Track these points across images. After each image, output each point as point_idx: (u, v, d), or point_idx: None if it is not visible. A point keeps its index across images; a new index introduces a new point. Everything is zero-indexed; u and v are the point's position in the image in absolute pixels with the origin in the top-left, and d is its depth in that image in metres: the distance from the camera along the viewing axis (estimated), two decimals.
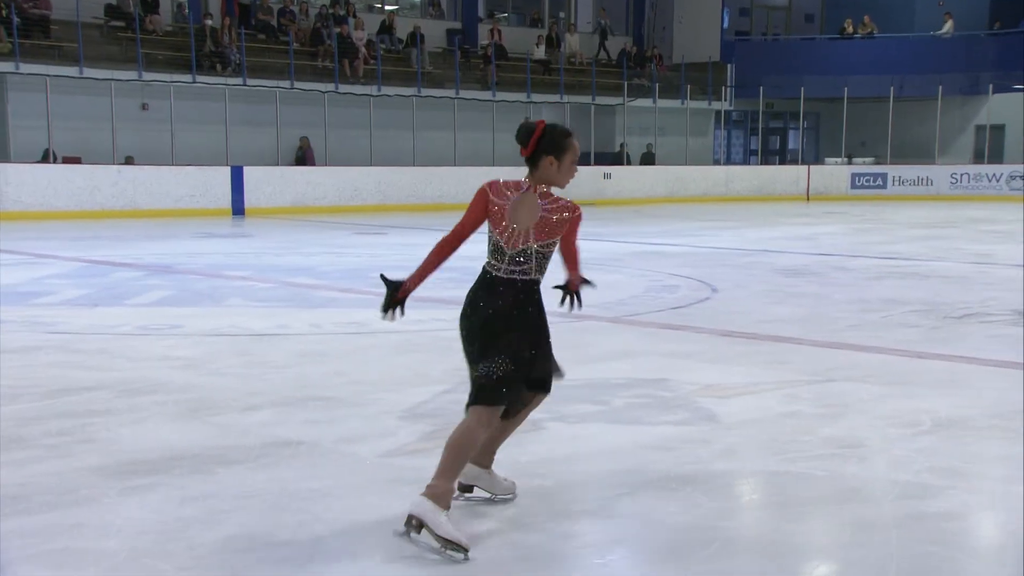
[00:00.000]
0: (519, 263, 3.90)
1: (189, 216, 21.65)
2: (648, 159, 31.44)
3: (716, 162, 33.80)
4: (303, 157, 24.51)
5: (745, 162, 36.12)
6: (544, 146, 3.88)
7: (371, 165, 24.68)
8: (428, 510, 3.66)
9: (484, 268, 3.95)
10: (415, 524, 3.70)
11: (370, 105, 25.52)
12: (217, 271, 12.11)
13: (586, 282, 4.28)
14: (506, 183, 3.94)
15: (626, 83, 31.74)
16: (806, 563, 3.78)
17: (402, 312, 3.93)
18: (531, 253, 3.89)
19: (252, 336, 7.95)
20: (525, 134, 3.91)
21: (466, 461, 3.86)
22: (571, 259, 4.17)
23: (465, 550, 3.63)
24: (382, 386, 6.15)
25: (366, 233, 17.99)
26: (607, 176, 28.96)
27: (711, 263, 13.13)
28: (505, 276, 3.89)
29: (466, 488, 4.19)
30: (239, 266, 12.67)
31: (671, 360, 7.02)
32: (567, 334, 7.96)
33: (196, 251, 14.51)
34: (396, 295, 3.91)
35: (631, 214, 24.06)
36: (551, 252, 3.96)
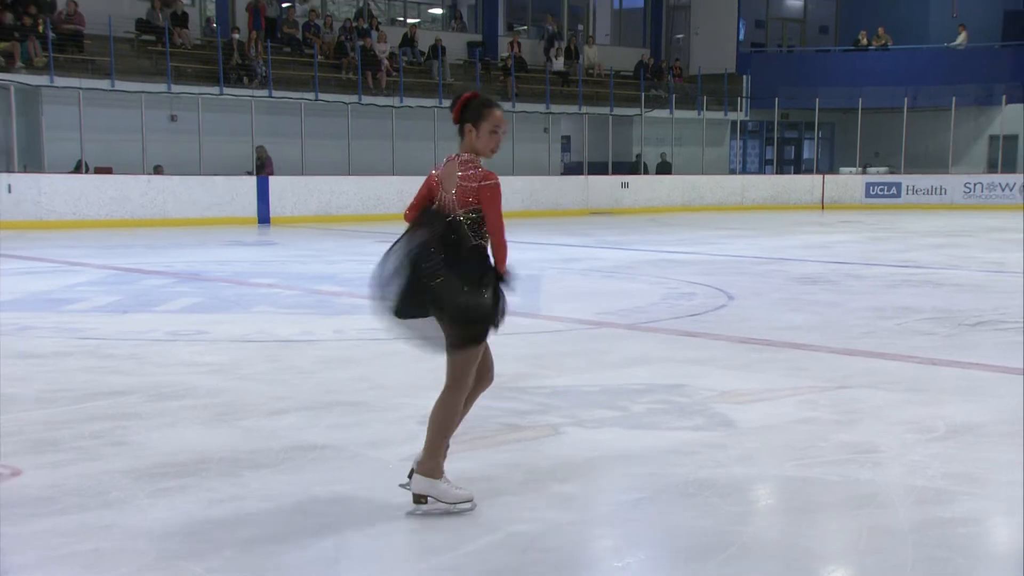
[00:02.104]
0: (456, 230, 3.96)
1: (216, 224, 21.74)
2: (664, 168, 31.30)
3: (732, 172, 33.66)
4: (261, 166, 23.80)
5: (760, 172, 35.97)
6: (466, 115, 4.00)
7: (393, 175, 24.74)
8: (428, 485, 4.05)
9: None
10: (423, 499, 4.08)
11: (392, 116, 25.57)
12: (244, 279, 12.14)
13: (501, 279, 4.03)
14: (438, 171, 4.11)
15: (643, 94, 31.66)
16: (822, 567, 3.75)
17: None
18: (459, 221, 3.96)
19: (278, 342, 7.95)
20: (452, 104, 4.08)
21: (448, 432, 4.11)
22: (492, 239, 4.00)
23: (470, 500, 4.09)
24: (404, 391, 6.14)
25: (388, 241, 17.80)
26: (625, 185, 28.87)
27: (727, 271, 13.08)
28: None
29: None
30: (265, 274, 12.69)
31: (689, 366, 7.00)
32: (585, 341, 8.04)
33: (223, 259, 14.56)
34: None
35: (648, 223, 24.03)
36: (482, 218, 3.97)
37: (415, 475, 4.09)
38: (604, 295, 10.85)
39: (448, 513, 4.06)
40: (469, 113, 3.97)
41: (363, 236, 19.05)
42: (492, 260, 4.03)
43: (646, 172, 31.05)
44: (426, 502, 4.08)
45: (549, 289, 11.37)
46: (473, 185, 3.93)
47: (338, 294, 10.91)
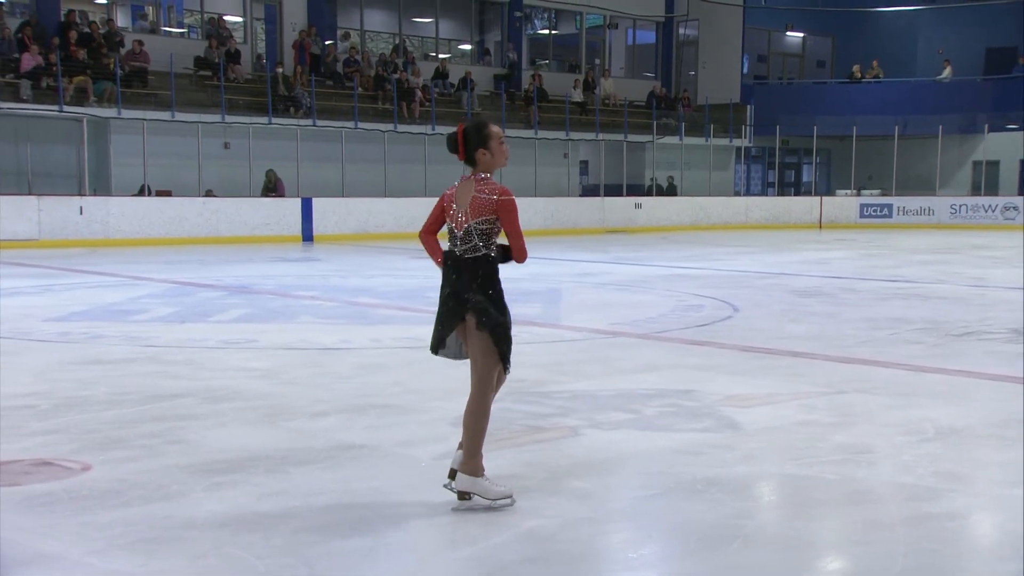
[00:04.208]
0: (467, 240, 3.99)
1: (264, 243, 21.77)
2: (670, 190, 31.19)
3: (737, 193, 33.44)
4: (273, 188, 23.35)
5: (763, 193, 35.73)
6: (472, 144, 3.96)
7: (425, 195, 24.71)
8: (472, 483, 4.04)
9: (447, 251, 4.10)
10: (467, 496, 4.07)
11: (425, 142, 25.55)
12: (288, 291, 12.12)
13: (505, 254, 4.07)
14: (450, 191, 4.11)
15: (655, 122, 31.58)
16: (820, 558, 3.73)
17: None
18: (472, 230, 3.96)
19: (320, 350, 7.93)
20: (453, 144, 4.01)
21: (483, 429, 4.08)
22: (512, 243, 4.07)
23: (510, 496, 4.09)
24: (436, 395, 6.12)
25: (420, 257, 17.63)
26: (638, 206, 28.70)
27: (732, 285, 12.98)
28: (466, 255, 4.02)
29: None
30: (308, 287, 12.66)
31: (696, 373, 6.95)
32: (601, 349, 7.98)
33: (270, 274, 14.57)
34: None
35: (659, 240, 23.90)
36: (491, 229, 3.98)
37: (459, 475, 4.08)
38: (619, 307, 10.78)
39: (489, 508, 4.04)
40: (473, 141, 3.96)
41: (397, 252, 19.04)
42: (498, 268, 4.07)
43: (659, 194, 30.95)
44: (470, 498, 4.08)
45: (568, 301, 11.29)
46: (492, 198, 3.93)
47: (374, 306, 10.86)
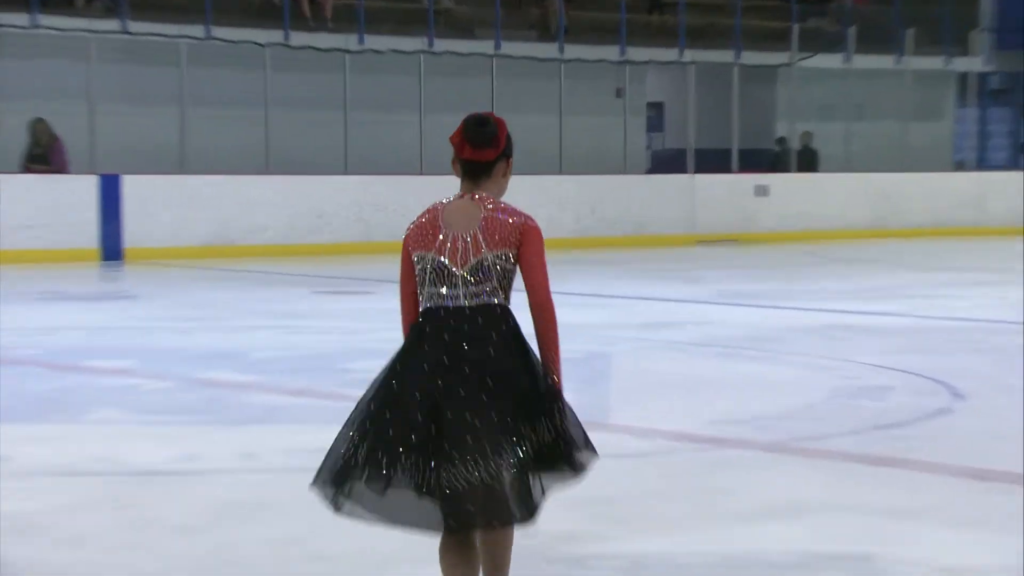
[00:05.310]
0: (479, 281, 3.06)
1: (26, 262, 13.22)
2: (807, 159, 18.94)
3: (959, 166, 20.80)
4: (43, 156, 14.05)
5: (1013, 166, 21.03)
6: (507, 150, 3.17)
7: (347, 173, 15.35)
8: None
9: (429, 310, 3.01)
10: None
11: (344, 68, 15.28)
12: (74, 360, 8.13)
13: (552, 393, 3.02)
14: (419, 216, 3.12)
15: (796, 27, 18.95)
16: None
17: None
18: (489, 266, 3.08)
19: (135, 476, 5.30)
20: (491, 130, 3.07)
21: None
22: (537, 309, 3.02)
23: None
24: (364, 568, 4.08)
25: (336, 292, 12.19)
26: (761, 191, 17.82)
27: (950, 346, 9.02)
28: (473, 303, 3.06)
29: None
30: (113, 350, 8.53)
31: (879, 522, 4.68)
32: (695, 471, 5.63)
33: (38, 325, 9.61)
34: None
35: (803, 257, 16.00)
36: (512, 269, 3.07)
37: None
38: (724, 388, 7.53)
39: None
40: (509, 146, 3.17)
41: (291, 282, 12.53)
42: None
43: (803, 168, 18.88)
44: None
45: (626, 378, 7.91)
46: (511, 221, 3.05)
47: (245, 387, 7.32)
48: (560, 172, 16.50)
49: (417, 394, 2.84)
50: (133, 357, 8.41)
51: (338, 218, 15.27)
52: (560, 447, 2.94)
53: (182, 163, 14.81)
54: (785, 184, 18.29)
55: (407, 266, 3.09)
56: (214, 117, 14.84)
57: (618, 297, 12.23)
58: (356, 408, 2.95)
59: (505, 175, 3.15)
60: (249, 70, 15.19)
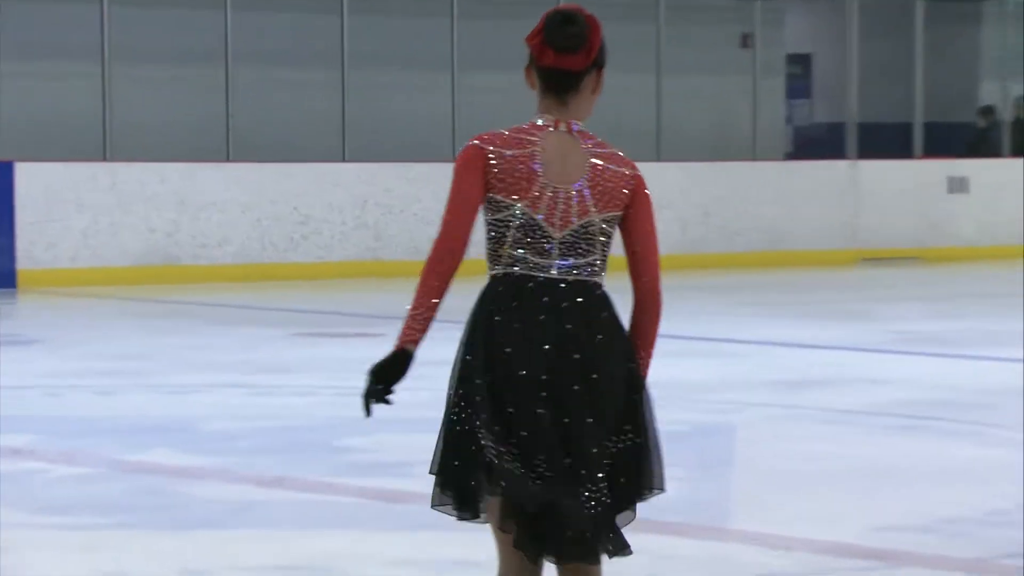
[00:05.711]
0: (580, 252, 2.62)
1: None
2: (1022, 131, 15.04)
3: None
4: None
5: None
6: (600, 58, 2.65)
7: (344, 160, 12.28)
8: None
9: (512, 275, 2.58)
10: None
11: (342, 8, 12.35)
12: None
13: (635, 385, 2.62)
14: (498, 134, 2.60)
15: None
16: None
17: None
18: (595, 231, 2.62)
19: None
20: (581, 30, 2.54)
21: None
22: (649, 294, 2.61)
23: None
24: None
25: (325, 333, 9.64)
26: (958, 185, 14.08)
27: None
28: (569, 278, 2.62)
29: None
30: (6, 421, 6.90)
31: None
32: None
33: None
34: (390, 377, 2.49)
35: (1016, 281, 12.28)
36: (612, 240, 2.68)
37: None
38: (900, 478, 6.02)
39: None
40: (602, 53, 2.65)
41: (261, 317, 10.42)
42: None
43: (1020, 152, 14.79)
44: None
45: (753, 462, 6.37)
46: (626, 173, 2.59)
47: (191, 474, 5.85)
48: (658, 158, 12.53)
49: (533, 381, 2.45)
50: (30, 431, 6.74)
51: (329, 224, 11.72)
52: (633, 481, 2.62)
53: (105, 145, 11.27)
54: (992, 175, 13.99)
55: (470, 202, 2.57)
56: (149, 79, 11.36)
57: (745, 342, 9.68)
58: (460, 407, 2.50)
59: (595, 91, 2.77)
60: (198, 7, 11.49)
